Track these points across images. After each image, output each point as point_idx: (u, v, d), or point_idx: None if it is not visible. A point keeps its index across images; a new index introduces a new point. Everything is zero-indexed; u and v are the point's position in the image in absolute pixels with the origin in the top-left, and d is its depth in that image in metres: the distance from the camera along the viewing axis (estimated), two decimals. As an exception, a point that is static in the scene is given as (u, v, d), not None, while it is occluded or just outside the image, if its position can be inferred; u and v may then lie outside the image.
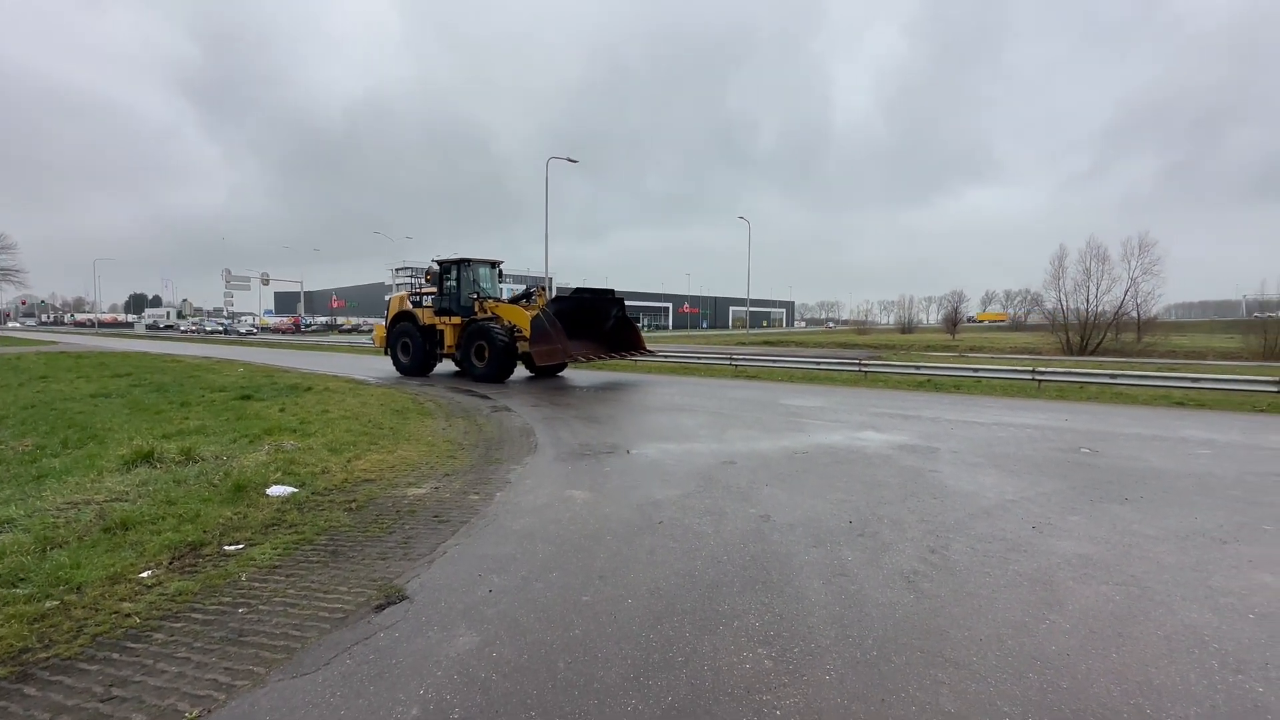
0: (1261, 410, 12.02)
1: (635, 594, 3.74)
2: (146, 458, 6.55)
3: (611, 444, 8.31)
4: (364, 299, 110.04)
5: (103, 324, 76.36)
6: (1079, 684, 2.84)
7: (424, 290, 18.80)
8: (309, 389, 13.21)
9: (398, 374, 17.94)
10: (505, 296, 18.29)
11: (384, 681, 2.85)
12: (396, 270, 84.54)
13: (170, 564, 4.12)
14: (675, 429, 9.54)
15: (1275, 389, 12.75)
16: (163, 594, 3.69)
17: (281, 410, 10.26)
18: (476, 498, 5.79)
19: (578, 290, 17.25)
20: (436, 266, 17.80)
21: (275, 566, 4.13)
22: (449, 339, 17.30)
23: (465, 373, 16.85)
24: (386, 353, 19.03)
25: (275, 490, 5.71)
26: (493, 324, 16.22)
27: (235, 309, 76.77)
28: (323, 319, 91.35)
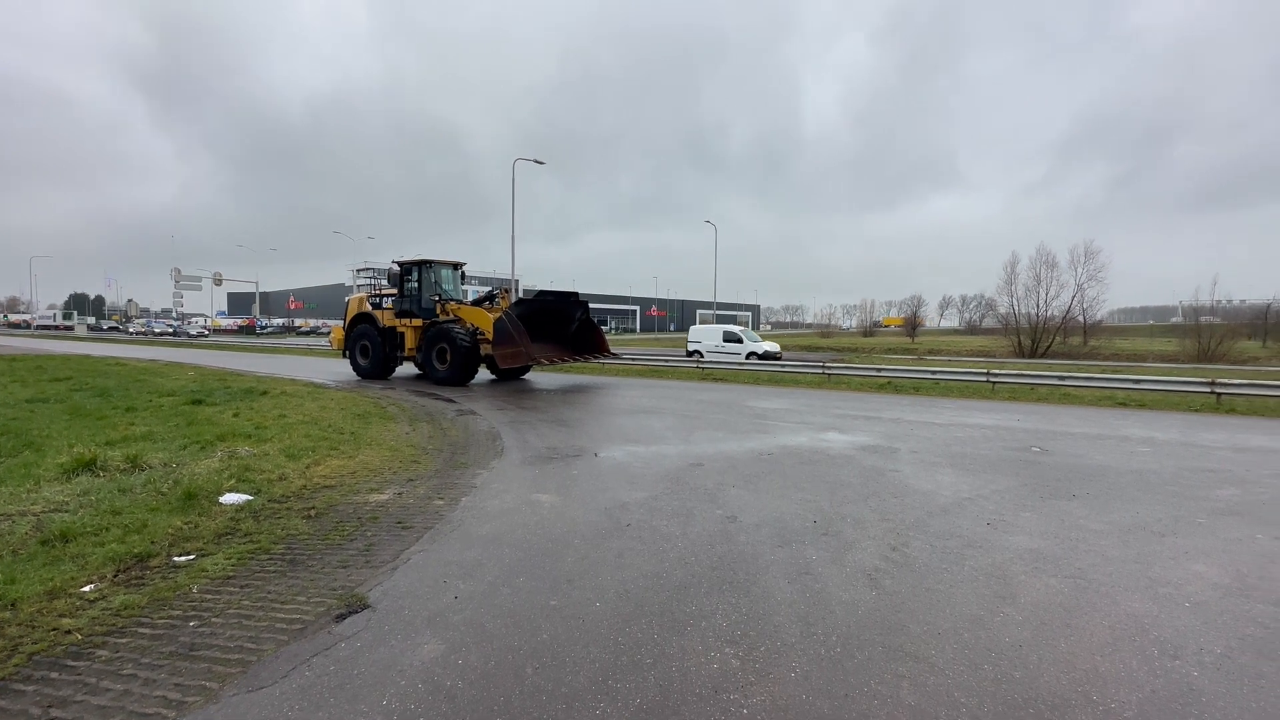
0: (1196, 410, 12.72)
1: (604, 597, 3.74)
2: (88, 466, 6.23)
3: (579, 447, 8.28)
4: (323, 300, 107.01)
5: (42, 326, 72.29)
6: (1030, 674, 2.96)
7: (384, 292, 18.32)
8: (265, 393, 12.77)
9: (357, 377, 17.49)
10: (470, 299, 18.04)
11: (345, 693, 2.77)
12: (358, 271, 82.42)
13: (115, 577, 3.93)
14: (643, 431, 9.56)
15: (1208, 390, 13.51)
16: (106, 608, 3.51)
17: (235, 415, 9.89)
18: (441, 503, 5.69)
19: (541, 293, 17.06)
20: (397, 268, 17.40)
21: (229, 577, 3.98)
22: (410, 341, 16.97)
23: (426, 376, 16.52)
24: (345, 355, 18.57)
25: (229, 498, 5.50)
26: (455, 326, 15.97)
27: (185, 310, 73.69)
28: (279, 321, 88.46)
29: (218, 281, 64.71)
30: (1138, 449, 8.50)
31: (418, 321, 16.84)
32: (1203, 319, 39.23)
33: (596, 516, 5.31)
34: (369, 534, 4.81)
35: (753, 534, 4.88)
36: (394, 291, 17.69)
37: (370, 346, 17.45)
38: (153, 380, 15.31)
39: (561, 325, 17.65)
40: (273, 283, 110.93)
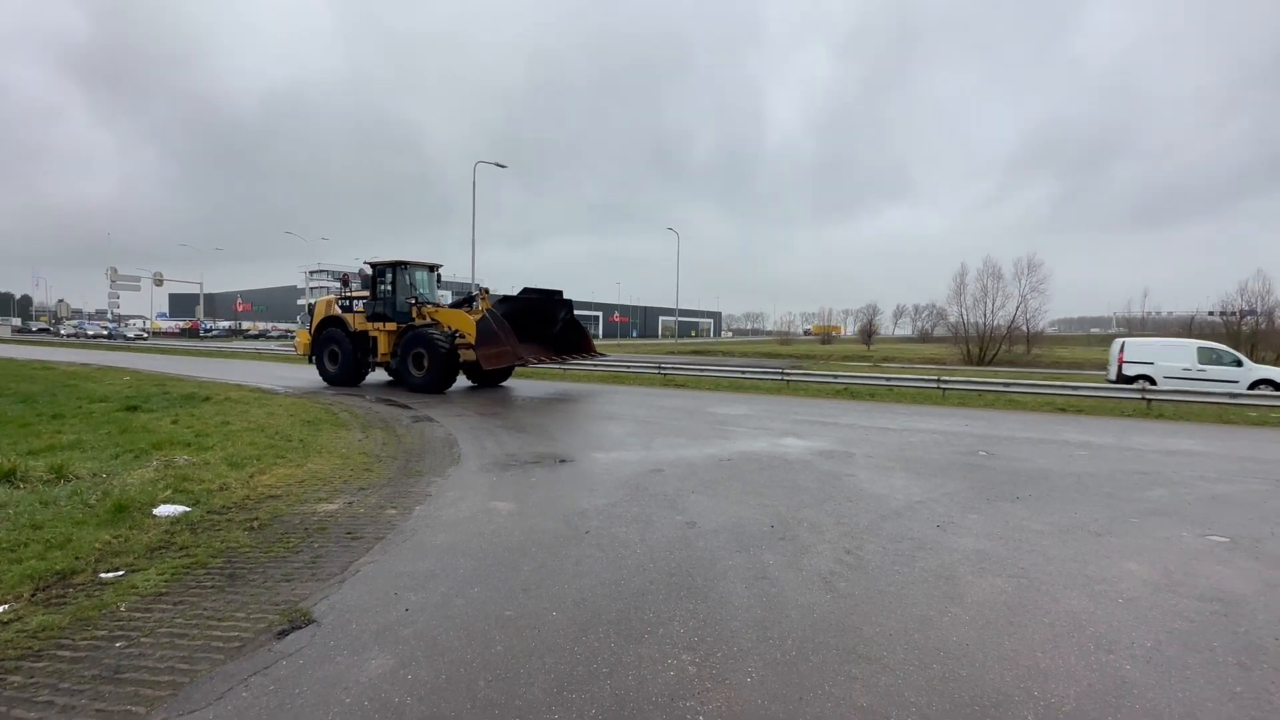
0: (1129, 415, 13.44)
1: (560, 606, 3.68)
2: (7, 477, 5.81)
3: (538, 454, 8.17)
4: (273, 302, 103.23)
5: None
6: (976, 672, 3.04)
7: (354, 294, 17.51)
8: (207, 399, 12.19)
9: (323, 383, 16.68)
10: (448, 303, 17.60)
11: (285, 713, 2.64)
12: (310, 273, 79.89)
13: (33, 596, 3.66)
14: (604, 437, 9.51)
15: (1140, 397, 14.30)
16: (22, 630, 3.26)
17: (174, 422, 9.41)
18: (394, 512, 5.52)
19: (525, 290, 16.39)
20: (368, 269, 16.67)
21: (161, 594, 3.76)
22: (383, 346, 16.24)
23: (402, 382, 15.85)
24: (311, 361, 17.64)
25: (164, 510, 5.21)
26: (432, 330, 15.33)
27: (122, 312, 69.85)
28: (225, 323, 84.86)
29: (158, 282, 61.67)
30: (1076, 452, 8.91)
31: (392, 326, 16.11)
32: (1134, 330, 41.63)
33: (555, 524, 5.24)
34: (316, 545, 4.63)
35: (711, 539, 4.90)
36: (365, 294, 16.91)
37: (340, 351, 16.59)
38: (84, 385, 14.43)
39: (545, 325, 17.03)
40: (219, 284, 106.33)
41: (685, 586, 3.99)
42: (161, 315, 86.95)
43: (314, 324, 17.59)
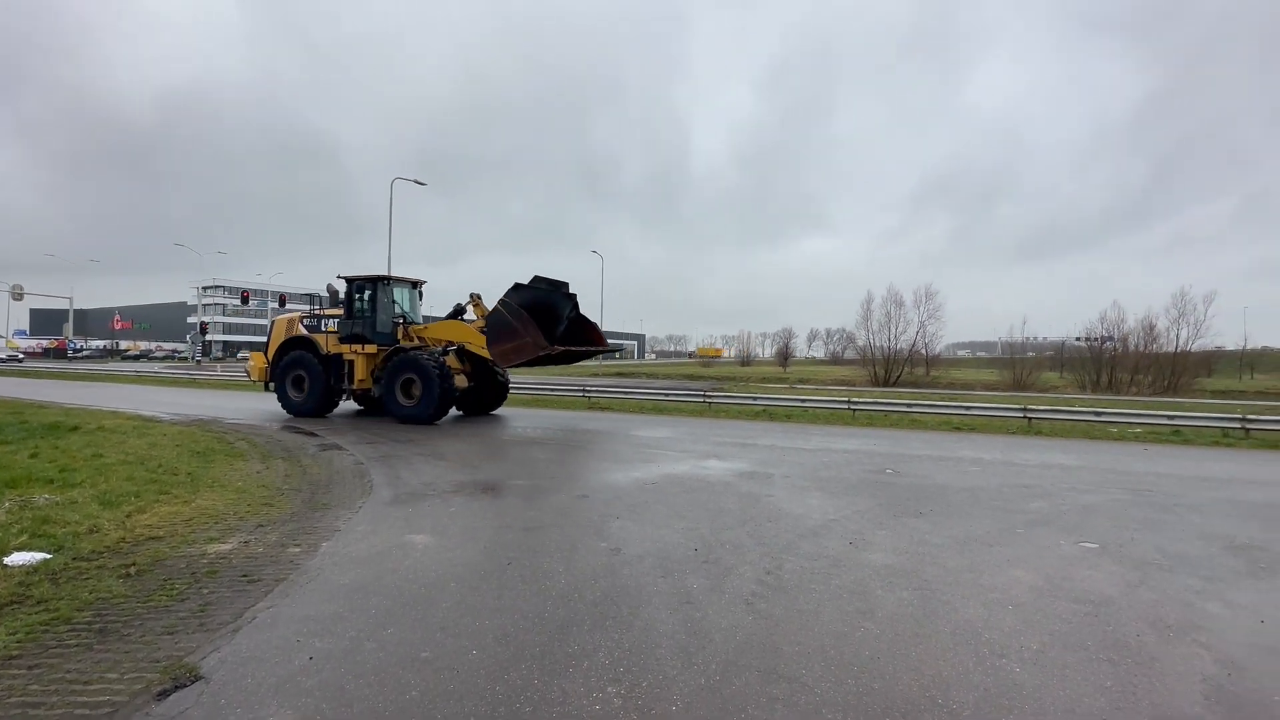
0: (1013, 433, 14.75)
1: (481, 643, 3.54)
2: None
3: (458, 482, 7.88)
4: (158, 320, 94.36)
5: None
6: (887, 684, 3.20)
7: (326, 312, 15.65)
8: (76, 428, 10.90)
9: (286, 414, 14.87)
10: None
11: (165, 786, 2.36)
12: (204, 288, 73.78)
13: None
14: (527, 464, 9.32)
15: (1022, 415, 15.75)
16: None
17: (33, 456, 8.33)
18: (297, 550, 5.13)
19: (535, 279, 14.40)
20: (343, 283, 14.90)
21: (12, 657, 3.28)
22: (360, 371, 14.55)
23: (386, 412, 14.23)
24: (269, 388, 15.68)
25: (18, 558, 4.58)
26: (422, 354, 13.94)
27: (-30, 328, 61.37)
28: (100, 343, 76.57)
29: (17, 296, 54.88)
30: (969, 468, 9.66)
31: (371, 348, 14.49)
32: (1016, 354, 46.00)
33: (476, 556, 5.05)
34: (205, 591, 4.21)
35: (636, 566, 4.89)
36: (336, 312, 15.19)
37: (308, 377, 14.77)
38: (-83, 414, 12.50)
39: (550, 323, 15.01)
40: (93, 299, 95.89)
41: (610, 615, 3.95)
42: (20, 333, 77.15)
43: (271, 346, 15.62)
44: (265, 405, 16.61)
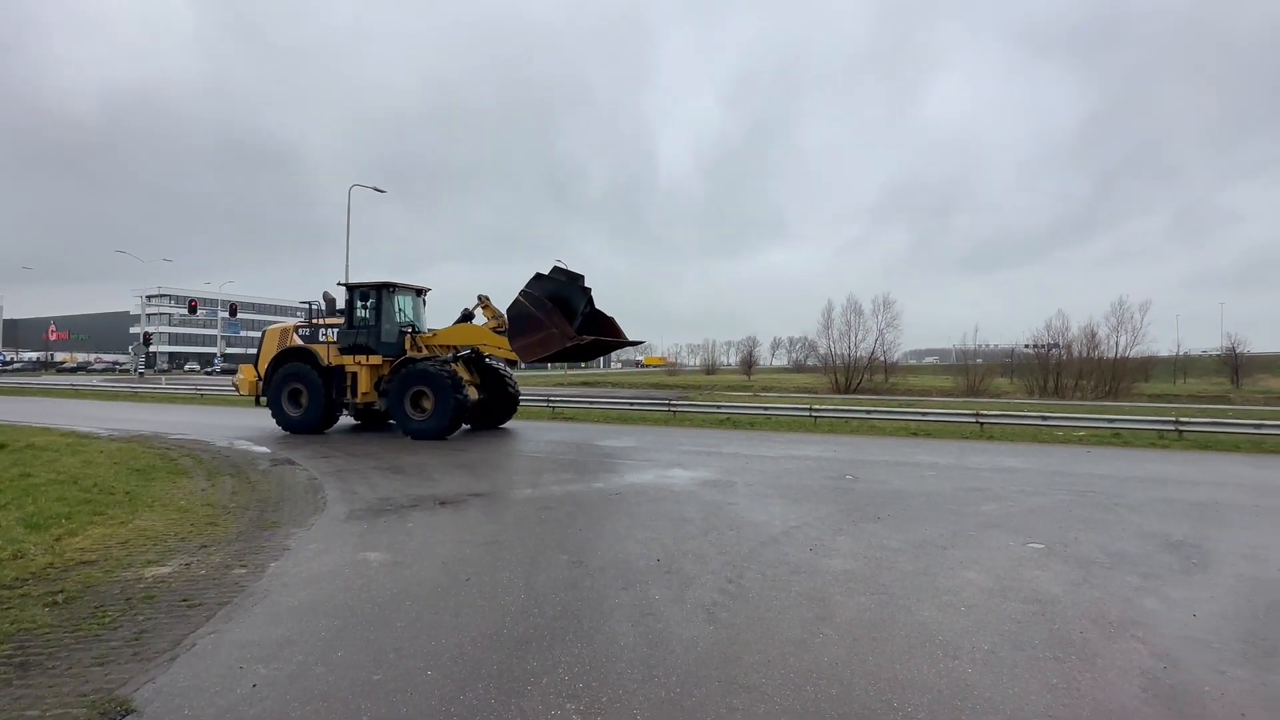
0: (966, 437, 15.23)
1: (437, 663, 3.44)
2: None
3: (416, 496, 7.69)
4: (98, 330, 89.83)
5: None
6: (844, 690, 3.24)
7: (326, 322, 14.64)
8: (2, 446, 10.23)
9: (282, 431, 14.04)
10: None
11: (88, 831, 2.21)
12: (148, 297, 70.55)
13: None
14: (488, 476, 9.16)
15: (974, 420, 16.29)
16: None
17: (-47, 477, 7.77)
18: (243, 571, 4.91)
19: (556, 269, 13.37)
20: (340, 291, 14.21)
21: (-81, 697, 3.03)
22: (363, 384, 13.85)
23: (400, 427, 13.46)
24: (261, 402, 14.86)
25: (-70, 588, 4.25)
26: (432, 365, 13.29)
27: (-115, 340, 57.14)
28: (32, 354, 72.37)
29: (-60, 305, 51.59)
30: (925, 473, 9.93)
31: (376, 359, 13.80)
32: (969, 361, 47.69)
33: (433, 572, 4.93)
34: (141, 618, 3.98)
35: (598, 578, 4.84)
36: (336, 322, 14.40)
37: (306, 390, 13.96)
38: None
39: (568, 317, 13.78)
40: (27, 308, 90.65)
41: (571, 630, 3.89)
42: (-58, 345, 72.29)
43: (263, 359, 14.73)
44: (213, 419, 15.95)
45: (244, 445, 11.92)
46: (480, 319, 14.37)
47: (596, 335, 13.42)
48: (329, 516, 6.68)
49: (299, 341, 14.67)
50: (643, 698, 3.13)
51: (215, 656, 3.50)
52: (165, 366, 69.04)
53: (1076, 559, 5.51)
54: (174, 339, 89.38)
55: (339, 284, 14.52)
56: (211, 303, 73.44)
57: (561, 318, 12.62)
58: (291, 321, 15.57)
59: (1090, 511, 7.32)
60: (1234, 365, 57.32)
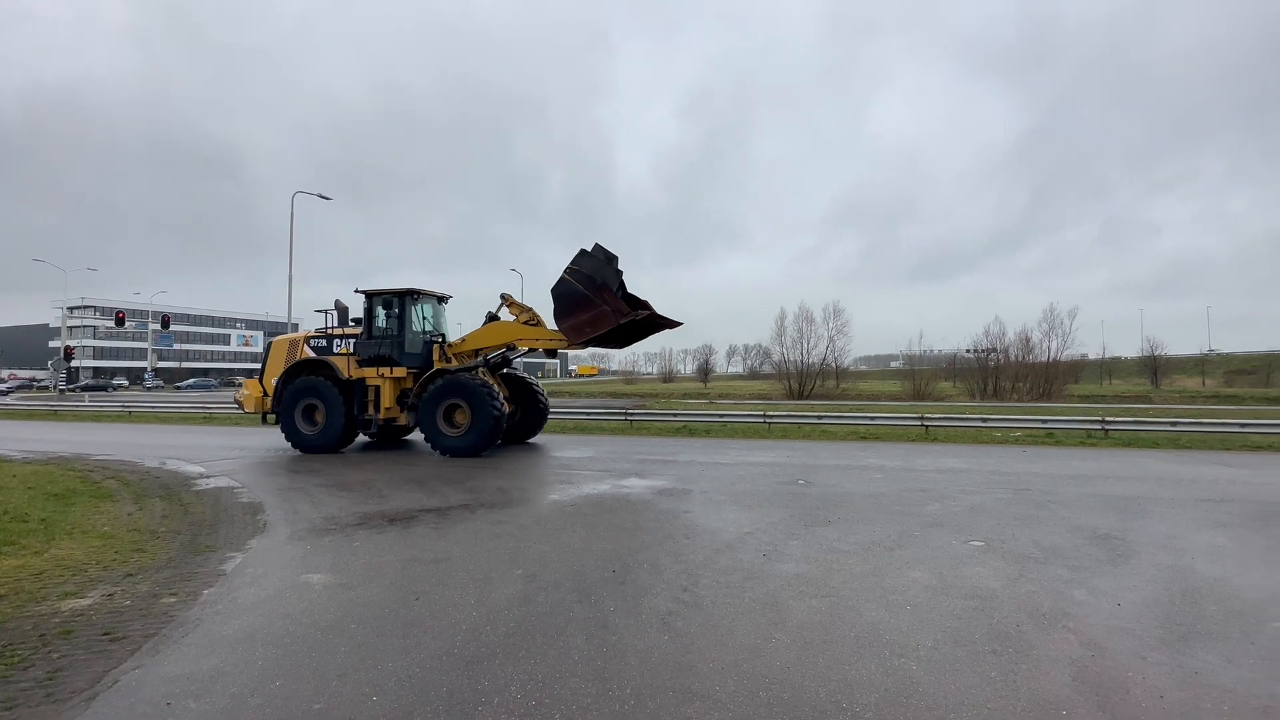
0: (913, 440, 15.78)
1: (382, 688, 3.32)
2: None
3: (363, 514, 7.43)
4: (11, 344, 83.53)
5: None
6: (796, 693, 3.29)
7: (345, 332, 13.62)
8: (-103, 473, 9.36)
9: (295, 450, 13.12)
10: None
11: None
12: (70, 309, 66.08)
13: None
14: (440, 491, 8.94)
15: (919, 423, 16.91)
16: None
17: None
18: (173, 600, 4.63)
19: (596, 247, 12.31)
20: (361, 296, 13.30)
21: None
22: (386, 398, 12.99)
23: (432, 443, 12.53)
24: (270, 420, 13.90)
25: None
26: (465, 375, 12.51)
27: None
28: (-64, 372, 66.64)
29: None
30: (874, 476, 10.23)
31: (400, 371, 13.00)
32: (915, 366, 49.56)
33: (381, 593, 4.76)
34: (55, 656, 3.70)
35: (552, 592, 4.78)
36: (354, 332, 13.48)
37: (324, 406, 12.99)
38: None
39: None
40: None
41: (524, 646, 3.82)
42: None
43: (270, 372, 13.74)
44: (142, 438, 15.02)
45: (176, 464, 11.28)
46: (507, 316, 13.62)
47: (636, 322, 12.39)
48: (269, 538, 6.38)
49: (310, 353, 13.64)
50: (596, 712, 3.10)
51: (139, 693, 3.28)
52: (90, 382, 64.58)
53: (1013, 555, 5.77)
54: (100, 353, 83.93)
55: (356, 290, 13.53)
56: (142, 314, 69.28)
57: (613, 294, 12.00)
58: (301, 332, 14.57)
59: (1026, 509, 7.68)
60: (1153, 367, 61.55)
